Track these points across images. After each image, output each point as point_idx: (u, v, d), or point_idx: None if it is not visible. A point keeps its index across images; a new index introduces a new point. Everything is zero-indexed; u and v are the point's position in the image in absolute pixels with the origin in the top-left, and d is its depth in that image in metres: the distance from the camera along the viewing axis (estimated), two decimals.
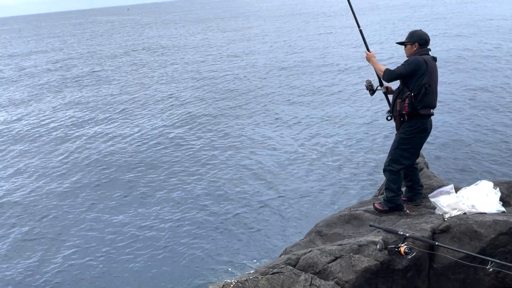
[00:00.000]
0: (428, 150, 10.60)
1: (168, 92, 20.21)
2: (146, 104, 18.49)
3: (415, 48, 5.42)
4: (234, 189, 9.45)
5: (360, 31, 6.09)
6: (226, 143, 12.19)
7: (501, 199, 5.37)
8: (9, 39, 66.78)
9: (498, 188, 5.32)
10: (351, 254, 4.78)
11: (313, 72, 21.85)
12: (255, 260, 6.85)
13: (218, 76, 23.37)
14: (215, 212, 8.63)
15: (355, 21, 6.01)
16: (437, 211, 5.24)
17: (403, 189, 5.98)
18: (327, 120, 13.45)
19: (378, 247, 4.72)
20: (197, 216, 8.49)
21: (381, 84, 5.77)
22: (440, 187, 5.87)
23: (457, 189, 5.65)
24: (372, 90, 5.71)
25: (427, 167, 6.90)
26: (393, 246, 4.66)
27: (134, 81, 24.12)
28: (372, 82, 5.72)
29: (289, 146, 11.29)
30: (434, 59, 5.41)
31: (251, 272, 5.13)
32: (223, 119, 14.92)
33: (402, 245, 4.61)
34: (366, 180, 8.80)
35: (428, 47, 5.47)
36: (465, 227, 4.77)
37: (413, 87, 5.27)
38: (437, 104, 5.39)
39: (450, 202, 5.19)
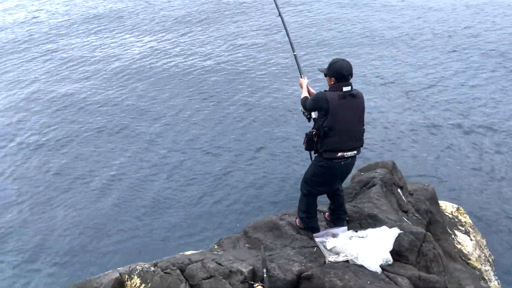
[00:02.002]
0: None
1: None
2: None
3: (332, 82, 5.02)
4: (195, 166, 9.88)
5: (295, 55, 6.00)
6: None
7: (399, 253, 5.20)
8: None
9: (393, 239, 5.12)
10: (221, 277, 5.27)
11: None
12: (191, 241, 7.65)
13: None
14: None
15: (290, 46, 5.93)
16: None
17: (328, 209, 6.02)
18: None
19: (240, 278, 5.11)
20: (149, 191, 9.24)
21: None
22: (375, 215, 5.78)
23: (364, 228, 5.57)
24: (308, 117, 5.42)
25: (386, 184, 6.59)
26: (251, 282, 5.02)
27: None
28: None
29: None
30: (352, 95, 4.92)
31: (159, 261, 5.93)
32: None
33: (256, 285, 4.94)
34: None
35: (350, 80, 4.97)
36: (322, 282, 4.84)
37: (317, 125, 5.08)
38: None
39: (336, 245, 5.20)
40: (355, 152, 5.06)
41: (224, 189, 8.87)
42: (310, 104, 5.10)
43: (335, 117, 4.90)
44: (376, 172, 6.65)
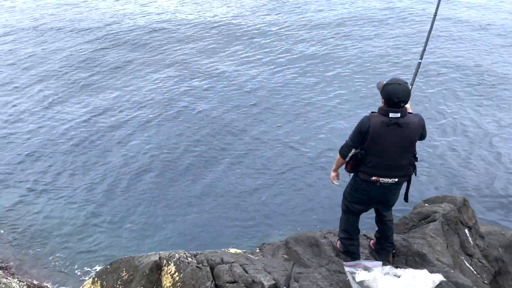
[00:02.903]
0: None
1: None
2: None
3: (382, 104, 4.56)
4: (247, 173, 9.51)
5: (419, 63, 5.40)
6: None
7: None
8: None
9: (432, 286, 4.59)
10: (243, 285, 5.17)
11: None
12: (238, 239, 7.48)
13: None
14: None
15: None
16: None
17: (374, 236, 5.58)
18: None
19: None
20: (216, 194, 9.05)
21: None
22: (424, 254, 5.29)
23: (408, 266, 5.09)
24: None
25: (449, 222, 5.92)
26: None
27: None
28: None
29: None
30: (398, 124, 4.39)
31: (199, 253, 5.99)
32: None
33: None
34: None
35: (402, 107, 4.41)
36: None
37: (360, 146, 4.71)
38: None
39: (365, 280, 4.81)
40: (396, 179, 4.63)
41: (286, 187, 8.67)
42: (350, 138, 4.74)
43: (373, 144, 4.54)
44: (440, 206, 6.01)
